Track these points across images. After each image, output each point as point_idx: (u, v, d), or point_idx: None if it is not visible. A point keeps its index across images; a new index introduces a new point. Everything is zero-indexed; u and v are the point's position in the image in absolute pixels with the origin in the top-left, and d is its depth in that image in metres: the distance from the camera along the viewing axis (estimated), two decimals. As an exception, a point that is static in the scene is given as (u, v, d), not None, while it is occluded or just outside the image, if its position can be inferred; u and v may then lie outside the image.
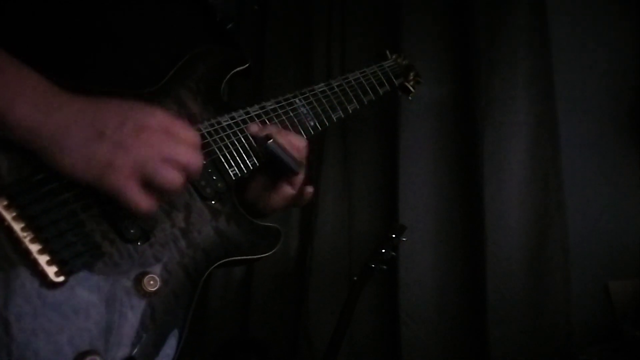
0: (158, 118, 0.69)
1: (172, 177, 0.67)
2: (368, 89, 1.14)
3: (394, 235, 1.76)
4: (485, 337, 1.88)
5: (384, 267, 1.73)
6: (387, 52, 1.29)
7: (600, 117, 1.96)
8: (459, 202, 2.08)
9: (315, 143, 1.16)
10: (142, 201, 0.66)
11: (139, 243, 0.73)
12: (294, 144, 0.88)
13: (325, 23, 2.45)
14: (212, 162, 0.84)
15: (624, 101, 1.93)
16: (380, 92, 1.18)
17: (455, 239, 2.07)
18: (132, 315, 0.70)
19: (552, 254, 1.87)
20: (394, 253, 1.75)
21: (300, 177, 0.88)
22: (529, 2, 1.99)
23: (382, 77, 1.20)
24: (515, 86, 1.98)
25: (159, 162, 0.66)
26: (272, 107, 0.94)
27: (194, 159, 0.70)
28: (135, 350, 0.69)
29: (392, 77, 1.24)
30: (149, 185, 0.66)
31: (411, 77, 1.33)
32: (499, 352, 1.86)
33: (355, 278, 1.75)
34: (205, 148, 0.83)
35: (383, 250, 1.73)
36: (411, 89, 1.33)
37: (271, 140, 0.83)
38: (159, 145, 0.67)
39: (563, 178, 1.89)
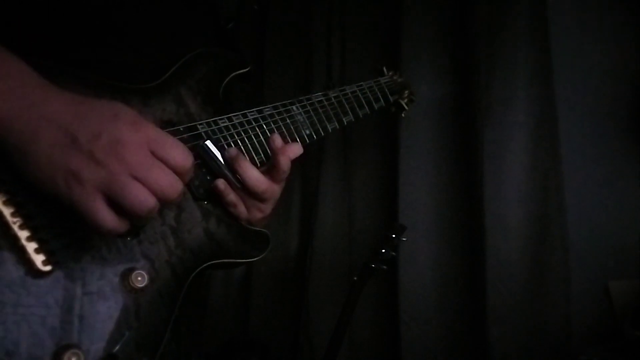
0: (143, 133, 0.64)
1: (141, 200, 0.61)
2: (364, 102, 1.16)
3: (394, 235, 1.76)
4: (485, 337, 1.88)
5: (384, 267, 1.73)
6: (384, 69, 1.32)
7: (600, 117, 1.96)
8: (459, 202, 2.08)
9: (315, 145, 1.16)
10: (106, 220, 0.60)
11: (128, 238, 0.72)
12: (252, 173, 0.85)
13: (325, 22, 2.45)
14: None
15: (624, 101, 1.93)
16: (375, 106, 1.21)
17: (455, 239, 2.07)
18: (117, 311, 0.69)
19: (552, 254, 1.87)
20: (394, 253, 1.75)
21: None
22: (529, 2, 1.99)
23: (378, 92, 1.23)
24: (515, 86, 1.98)
25: (129, 180, 0.61)
26: (269, 112, 0.95)
27: (169, 184, 0.64)
28: (117, 347, 0.67)
29: (388, 93, 1.27)
30: (116, 204, 0.61)
31: (405, 95, 1.36)
32: (499, 352, 1.86)
33: (355, 278, 1.75)
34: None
35: (383, 250, 1.73)
36: (405, 106, 1.37)
37: (208, 141, 0.82)
38: (134, 163, 0.61)
39: (563, 178, 1.89)
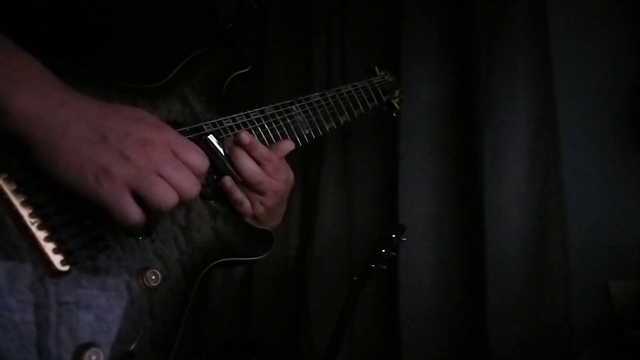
0: (165, 135, 0.67)
1: (166, 196, 0.65)
2: (359, 102, 1.21)
3: (394, 235, 1.76)
4: (485, 337, 1.88)
5: (384, 267, 1.73)
6: (376, 69, 1.37)
7: (600, 117, 1.96)
8: (459, 202, 2.08)
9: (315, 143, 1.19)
10: (132, 213, 0.63)
11: (140, 238, 0.73)
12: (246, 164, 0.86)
13: (325, 22, 2.45)
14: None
15: (623, 101, 1.93)
16: (370, 106, 1.26)
17: (455, 239, 2.07)
18: (132, 309, 0.70)
19: (552, 253, 1.87)
20: (394, 253, 1.75)
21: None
22: (529, 2, 1.99)
23: (372, 92, 1.28)
24: (515, 86, 1.98)
25: (156, 177, 0.64)
26: (270, 112, 0.97)
27: (191, 185, 0.67)
28: (133, 346, 0.68)
29: (381, 93, 1.32)
30: (140, 199, 0.64)
31: (397, 95, 1.41)
32: (499, 352, 1.86)
33: (355, 278, 1.75)
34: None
35: (383, 250, 1.73)
36: (396, 105, 1.41)
37: (210, 135, 0.83)
38: (160, 162, 0.65)
39: (563, 178, 1.89)
